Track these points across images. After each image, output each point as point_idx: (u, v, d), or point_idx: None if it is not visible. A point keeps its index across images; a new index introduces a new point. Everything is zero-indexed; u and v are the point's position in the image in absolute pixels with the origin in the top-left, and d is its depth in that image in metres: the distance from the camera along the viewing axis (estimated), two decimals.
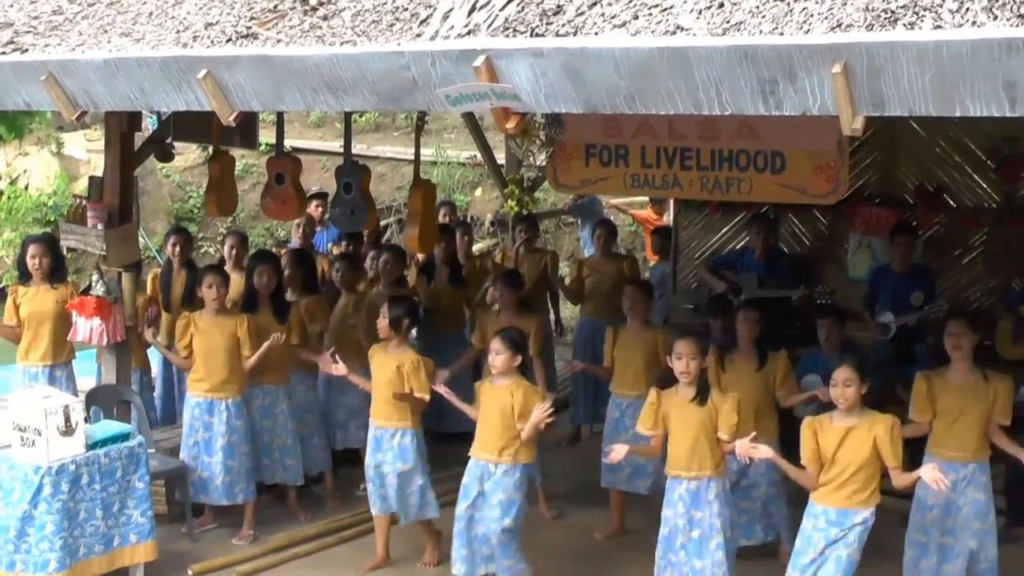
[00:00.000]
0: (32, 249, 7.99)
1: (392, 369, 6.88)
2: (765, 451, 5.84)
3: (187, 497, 7.57)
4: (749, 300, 7.47)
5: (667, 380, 6.23)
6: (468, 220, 13.56)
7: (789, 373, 6.99)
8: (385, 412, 6.95)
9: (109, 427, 6.91)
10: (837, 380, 5.69)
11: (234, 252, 9.20)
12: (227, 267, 8.84)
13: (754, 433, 6.02)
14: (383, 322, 6.93)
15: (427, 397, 6.86)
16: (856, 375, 5.66)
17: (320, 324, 8.12)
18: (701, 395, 6.08)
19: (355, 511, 8.05)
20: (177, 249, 9.09)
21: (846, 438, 5.68)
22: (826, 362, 7.69)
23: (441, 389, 6.80)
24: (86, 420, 6.78)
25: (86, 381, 8.43)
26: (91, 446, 6.53)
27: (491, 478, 6.45)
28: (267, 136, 12.09)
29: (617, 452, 6.27)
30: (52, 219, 16.17)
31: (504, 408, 6.41)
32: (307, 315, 8.02)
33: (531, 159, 7.09)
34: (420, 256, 9.78)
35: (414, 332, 7.88)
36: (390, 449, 6.93)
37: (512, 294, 7.90)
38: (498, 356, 6.46)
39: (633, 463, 7.25)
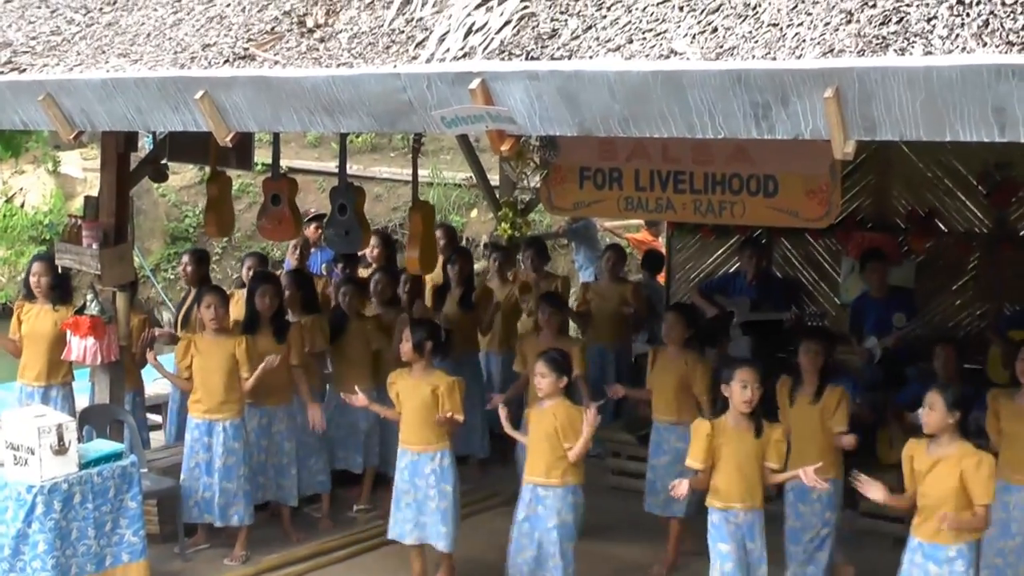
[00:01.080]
0: (34, 267, 8.09)
1: (426, 393, 6.76)
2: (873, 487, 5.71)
3: (180, 517, 7.56)
4: (812, 329, 7.35)
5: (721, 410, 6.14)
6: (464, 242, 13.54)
7: (843, 405, 6.73)
8: (423, 436, 6.81)
9: (102, 446, 6.90)
10: (925, 403, 5.57)
11: (252, 274, 9.21)
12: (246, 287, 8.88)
13: (820, 463, 5.96)
14: (406, 346, 6.83)
15: (462, 418, 6.79)
16: (941, 398, 5.52)
17: (320, 345, 8.11)
18: (759, 425, 5.99)
19: (348, 532, 8.05)
20: (189, 270, 9.10)
21: (932, 470, 5.55)
22: None
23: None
24: (79, 439, 6.78)
25: (80, 400, 8.45)
26: (84, 465, 6.52)
27: (542, 501, 6.45)
28: (263, 156, 12.12)
29: (679, 488, 6.14)
30: (48, 238, 16.18)
31: (548, 430, 6.42)
32: (307, 335, 8.03)
33: (525, 181, 7.12)
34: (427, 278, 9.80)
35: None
36: (432, 473, 6.80)
37: (556, 317, 7.88)
38: (543, 379, 6.45)
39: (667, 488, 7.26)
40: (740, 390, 5.96)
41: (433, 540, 6.85)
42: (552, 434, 6.41)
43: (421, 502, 6.84)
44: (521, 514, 6.57)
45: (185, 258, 9.31)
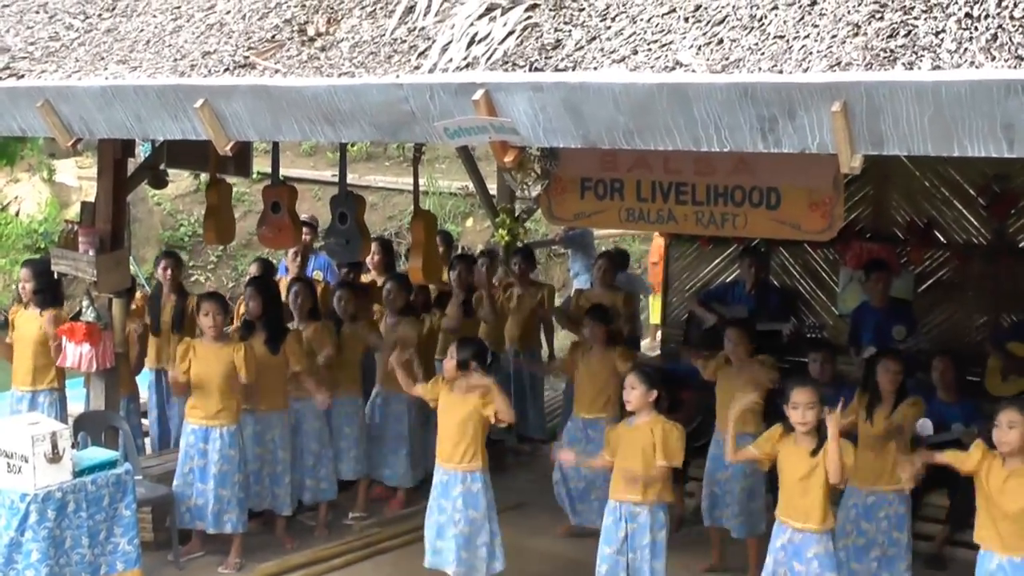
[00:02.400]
0: (22, 273, 8.11)
1: (468, 410, 6.65)
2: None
3: (174, 524, 7.52)
4: (888, 350, 7.33)
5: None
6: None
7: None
8: (453, 454, 6.70)
9: (96, 454, 6.87)
10: (1001, 421, 5.44)
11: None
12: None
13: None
14: (451, 363, 6.71)
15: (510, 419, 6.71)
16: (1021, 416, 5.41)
17: (326, 352, 8.08)
18: (819, 445, 5.86)
19: (344, 540, 8.03)
20: (168, 273, 9.09)
21: (1006, 483, 5.47)
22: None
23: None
24: (73, 446, 6.74)
25: (75, 407, 8.41)
26: (78, 473, 6.48)
27: (636, 519, 6.37)
28: (260, 164, 12.08)
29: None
30: (43, 246, 16.15)
31: (645, 447, 6.32)
32: (314, 342, 8.02)
33: (526, 191, 7.08)
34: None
35: None
36: (460, 497, 6.66)
37: (602, 329, 7.85)
38: (633, 391, 6.38)
39: (709, 494, 7.32)
40: (793, 412, 5.90)
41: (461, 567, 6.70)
42: (649, 451, 6.31)
43: (446, 525, 6.70)
44: (619, 533, 6.42)
45: (164, 262, 9.28)
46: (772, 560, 6.03)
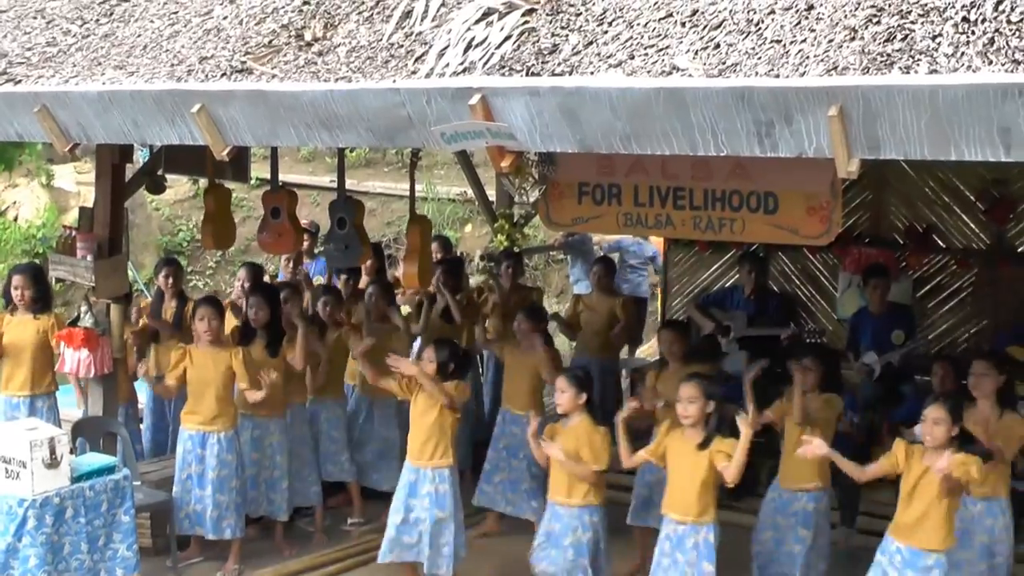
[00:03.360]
0: (15, 280, 7.95)
1: (438, 409, 6.73)
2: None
3: (173, 530, 7.50)
4: (802, 345, 7.36)
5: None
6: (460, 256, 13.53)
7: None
8: (422, 452, 6.79)
9: (95, 460, 6.85)
10: (927, 417, 5.59)
11: (245, 287, 9.18)
12: (239, 299, 8.90)
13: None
14: (431, 367, 6.74)
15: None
16: (947, 415, 5.55)
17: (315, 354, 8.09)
18: (705, 439, 5.96)
19: (342, 546, 8.00)
20: (169, 280, 9.07)
21: (922, 478, 5.60)
22: None
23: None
24: (72, 452, 6.73)
25: (70, 412, 8.40)
26: (76, 479, 6.47)
27: (560, 520, 6.41)
28: (259, 170, 12.08)
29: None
30: (41, 251, 16.12)
31: (573, 450, 6.35)
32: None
33: (524, 196, 7.09)
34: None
35: None
36: (427, 494, 6.76)
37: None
38: (563, 394, 6.40)
39: (645, 496, 7.27)
40: (678, 404, 6.03)
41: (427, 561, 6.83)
42: (573, 453, 6.34)
43: (417, 521, 6.80)
44: (541, 531, 6.54)
45: (165, 269, 9.26)
46: (658, 551, 6.13)
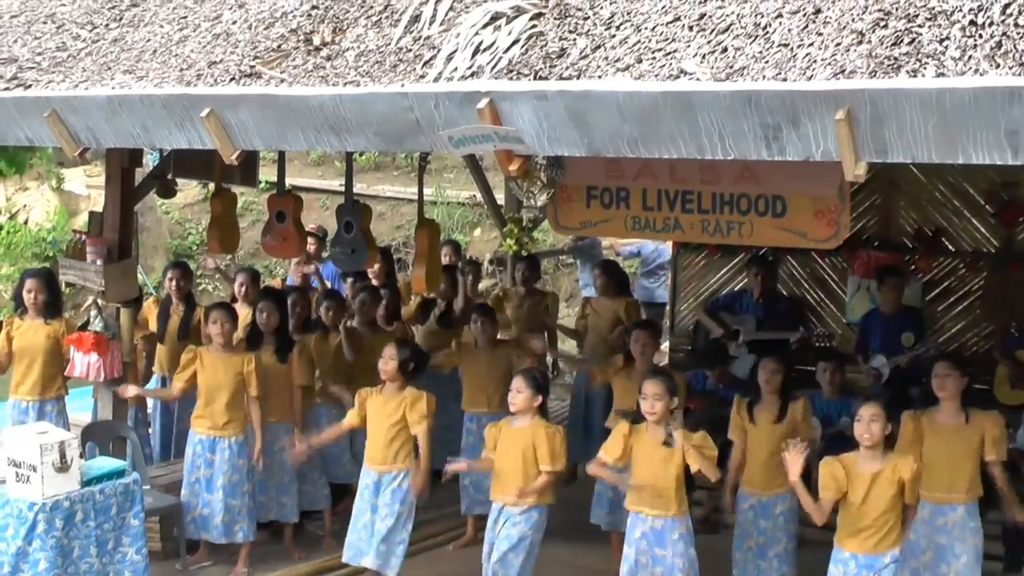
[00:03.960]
0: (28, 283, 7.98)
1: (392, 408, 6.85)
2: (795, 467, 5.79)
3: (182, 534, 7.52)
4: (770, 351, 7.39)
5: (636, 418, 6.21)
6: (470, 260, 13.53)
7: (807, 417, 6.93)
8: (385, 456, 6.89)
9: (104, 463, 6.87)
10: (863, 416, 5.63)
11: (244, 289, 9.20)
12: (237, 303, 8.90)
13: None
14: (392, 364, 6.85)
15: (427, 424, 6.81)
16: (883, 412, 5.65)
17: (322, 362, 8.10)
18: (670, 434, 6.04)
19: None
20: (174, 283, 9.08)
21: (873, 484, 5.64)
22: (825, 404, 7.69)
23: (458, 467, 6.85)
24: (81, 456, 6.75)
25: (81, 416, 8.41)
26: (86, 483, 6.49)
27: (509, 519, 6.45)
28: (267, 174, 12.10)
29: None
30: (51, 254, 16.17)
31: (525, 448, 6.40)
32: (315, 353, 8.07)
33: (532, 200, 7.10)
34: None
35: None
36: (389, 493, 6.88)
37: (490, 328, 8.00)
38: (519, 394, 6.43)
39: (617, 501, 7.19)
40: (643, 402, 6.09)
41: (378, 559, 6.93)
42: (529, 454, 6.40)
43: (373, 523, 6.91)
44: (489, 533, 6.58)
45: (171, 272, 9.27)
46: (634, 550, 6.15)
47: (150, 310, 9.15)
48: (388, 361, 6.86)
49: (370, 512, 6.93)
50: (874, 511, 5.66)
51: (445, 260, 10.40)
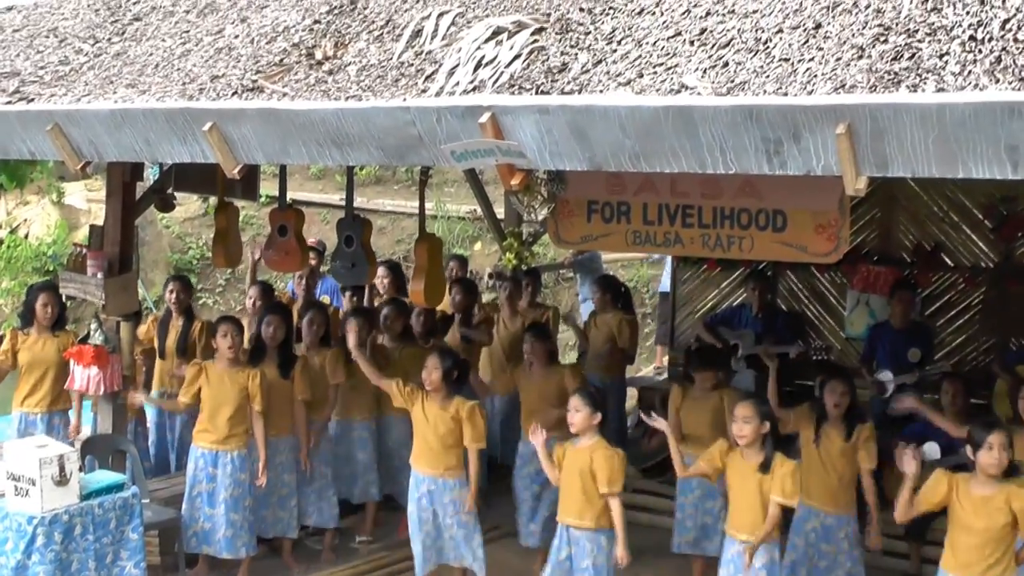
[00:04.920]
0: (43, 297, 8.06)
1: (446, 417, 6.80)
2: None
3: (181, 548, 7.51)
4: (836, 370, 7.42)
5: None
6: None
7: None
8: (443, 462, 6.86)
9: (104, 477, 6.87)
10: (994, 444, 5.43)
11: (256, 304, 9.21)
12: (248, 318, 8.99)
13: None
14: (436, 374, 6.80)
15: (481, 444, 6.80)
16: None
17: (339, 377, 8.08)
18: (765, 460, 5.97)
19: (350, 564, 8.00)
20: (175, 296, 9.09)
21: (984, 507, 5.46)
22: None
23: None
24: (81, 469, 6.75)
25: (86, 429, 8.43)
26: (85, 496, 6.49)
27: (577, 543, 6.35)
28: (269, 188, 12.12)
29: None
30: (51, 268, 16.19)
31: (583, 470, 6.31)
32: (330, 367, 8.05)
33: (533, 215, 7.10)
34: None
35: None
36: (451, 503, 6.85)
37: (542, 348, 7.86)
38: (577, 413, 6.36)
39: (701, 525, 7.23)
40: (734, 424, 6.06)
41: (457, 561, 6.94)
42: (587, 475, 6.31)
43: (440, 528, 6.88)
44: (561, 554, 6.47)
45: (171, 285, 9.28)
46: (724, 572, 6.12)
47: (151, 327, 9.17)
48: (432, 371, 6.81)
49: (433, 520, 6.89)
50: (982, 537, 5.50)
51: (451, 274, 10.40)
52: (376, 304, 9.83)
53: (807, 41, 4.45)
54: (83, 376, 7.57)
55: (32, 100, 6.26)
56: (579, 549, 6.34)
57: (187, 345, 8.85)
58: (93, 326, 7.66)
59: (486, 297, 13.62)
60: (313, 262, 10.85)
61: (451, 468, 6.84)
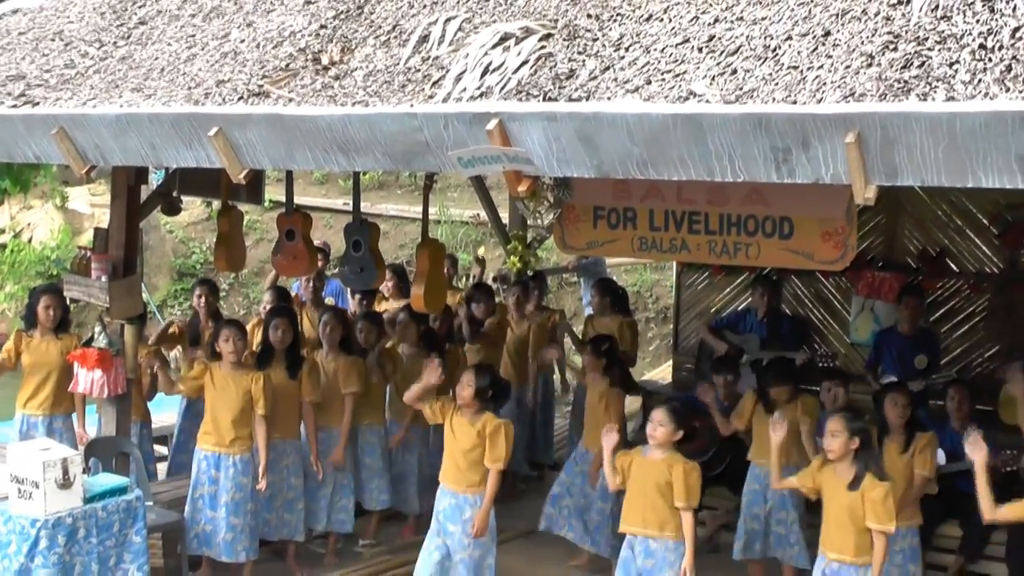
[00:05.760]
0: (46, 299, 8.04)
1: (474, 433, 6.65)
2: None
3: (184, 551, 7.50)
4: (898, 384, 7.45)
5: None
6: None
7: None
8: (466, 479, 6.71)
9: (107, 480, 6.86)
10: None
11: (269, 308, 9.21)
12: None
13: None
14: (468, 391, 6.66)
15: (501, 465, 6.65)
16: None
17: (352, 386, 8.03)
18: (856, 478, 5.94)
19: (354, 568, 7.99)
20: (203, 300, 9.10)
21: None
22: None
23: None
24: (85, 472, 6.74)
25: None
26: (89, 499, 6.48)
27: (653, 555, 6.32)
28: (273, 193, 12.10)
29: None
30: (55, 272, 16.19)
31: (660, 483, 6.29)
32: (343, 375, 8.00)
33: (539, 220, 7.09)
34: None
35: None
36: (470, 520, 6.67)
37: (597, 361, 7.89)
38: (661, 428, 6.32)
39: (776, 533, 7.24)
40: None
41: None
42: (665, 487, 6.29)
43: (453, 546, 6.73)
44: (629, 564, 6.44)
45: (199, 289, 9.28)
46: None
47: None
48: (465, 387, 6.68)
49: (443, 534, 6.75)
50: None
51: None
52: (382, 308, 9.84)
53: (816, 49, 4.44)
54: (87, 379, 7.56)
55: (37, 104, 6.25)
56: (657, 561, 6.30)
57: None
58: (97, 329, 7.65)
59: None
60: (320, 264, 10.85)
61: (473, 485, 6.66)
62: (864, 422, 6.09)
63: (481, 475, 6.66)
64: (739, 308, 10.53)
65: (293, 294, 10.15)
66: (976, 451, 5.68)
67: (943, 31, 4.26)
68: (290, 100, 5.45)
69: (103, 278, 7.61)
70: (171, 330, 9.27)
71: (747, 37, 4.66)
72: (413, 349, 8.56)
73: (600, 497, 7.57)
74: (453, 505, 6.70)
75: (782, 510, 7.20)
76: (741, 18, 4.83)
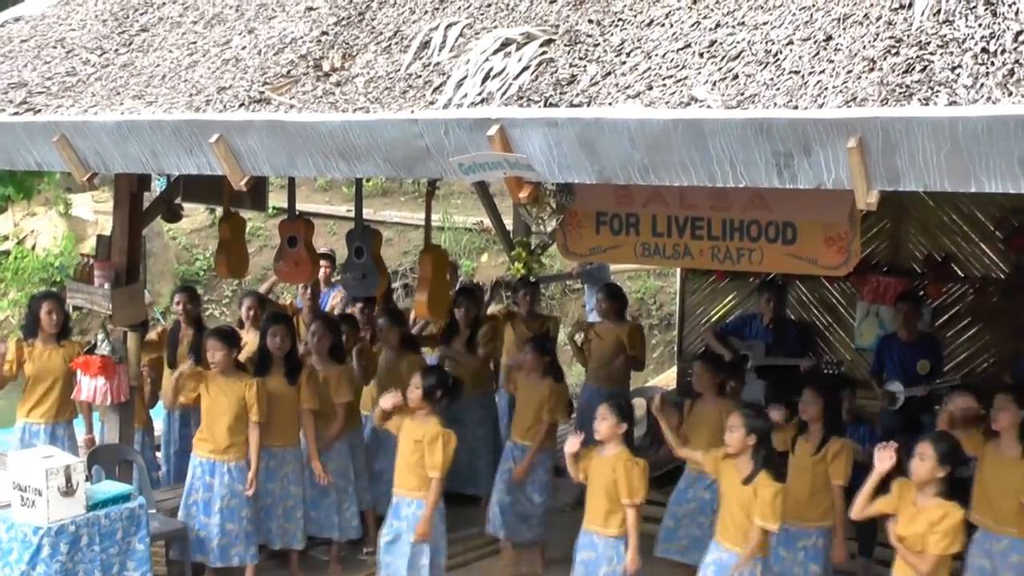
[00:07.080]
0: (47, 305, 8.02)
1: (417, 437, 6.75)
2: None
3: (187, 559, 7.48)
4: (809, 381, 7.43)
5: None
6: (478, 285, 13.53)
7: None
8: (409, 481, 6.84)
9: (110, 488, 6.86)
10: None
11: (252, 313, 9.20)
12: (244, 328, 8.94)
13: None
14: (416, 393, 6.78)
15: (437, 474, 6.71)
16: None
17: (344, 395, 8.02)
18: (751, 475, 5.98)
19: (357, 575, 7.97)
20: (182, 307, 9.09)
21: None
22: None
23: None
24: (87, 480, 6.73)
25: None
26: (92, 507, 6.49)
27: (595, 548, 6.41)
28: (276, 199, 12.10)
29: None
30: (58, 279, 16.18)
31: (607, 480, 6.35)
32: (334, 385, 7.97)
33: (541, 226, 7.07)
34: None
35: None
36: (406, 518, 6.82)
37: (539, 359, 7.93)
38: (604, 421, 6.39)
39: (691, 535, 7.21)
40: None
41: None
42: (611, 485, 6.35)
43: (397, 546, 6.85)
44: (581, 555, 6.53)
45: (179, 296, 9.28)
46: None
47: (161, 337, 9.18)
48: (413, 389, 6.80)
49: (393, 534, 6.88)
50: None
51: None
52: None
53: (818, 53, 4.43)
54: (90, 386, 7.55)
55: (39, 111, 6.25)
56: (599, 555, 6.39)
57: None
58: (100, 336, 7.64)
59: (492, 308, 13.59)
60: (326, 270, 10.83)
61: (412, 488, 6.80)
62: (763, 421, 6.15)
63: (420, 479, 6.77)
64: (744, 314, 10.50)
65: (288, 301, 10.17)
66: (883, 460, 5.68)
67: (945, 35, 4.24)
68: (291, 107, 5.45)
69: (106, 285, 7.61)
70: (148, 336, 9.23)
71: (748, 42, 4.65)
72: (392, 353, 8.56)
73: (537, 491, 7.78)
74: (395, 505, 6.90)
75: (702, 515, 7.18)
76: (742, 23, 4.82)
